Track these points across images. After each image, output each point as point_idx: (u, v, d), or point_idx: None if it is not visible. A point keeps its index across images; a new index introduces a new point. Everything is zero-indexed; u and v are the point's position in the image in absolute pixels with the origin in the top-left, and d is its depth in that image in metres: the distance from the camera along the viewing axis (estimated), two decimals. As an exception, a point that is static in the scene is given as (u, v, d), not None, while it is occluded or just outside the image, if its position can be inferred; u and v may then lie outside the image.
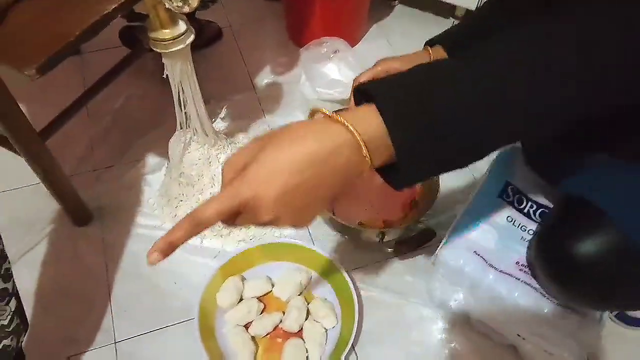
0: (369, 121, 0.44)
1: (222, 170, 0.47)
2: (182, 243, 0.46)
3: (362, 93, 0.47)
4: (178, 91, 0.97)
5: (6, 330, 0.71)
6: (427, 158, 0.46)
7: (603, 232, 0.74)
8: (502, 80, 0.46)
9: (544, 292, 0.89)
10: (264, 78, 1.50)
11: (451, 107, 0.45)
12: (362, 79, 0.86)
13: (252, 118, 1.38)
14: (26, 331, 0.78)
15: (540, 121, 0.48)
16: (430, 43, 0.89)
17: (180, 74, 0.93)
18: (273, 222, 0.46)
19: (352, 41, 1.56)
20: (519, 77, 0.46)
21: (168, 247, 0.46)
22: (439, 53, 0.84)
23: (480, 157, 0.49)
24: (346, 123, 0.44)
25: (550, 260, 0.80)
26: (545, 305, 0.88)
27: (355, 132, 0.43)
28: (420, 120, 0.44)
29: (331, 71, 1.32)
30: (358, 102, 0.49)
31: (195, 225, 0.45)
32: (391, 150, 0.45)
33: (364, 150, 0.44)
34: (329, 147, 0.43)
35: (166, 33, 0.85)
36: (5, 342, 0.71)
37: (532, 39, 0.47)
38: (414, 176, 0.48)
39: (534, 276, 0.90)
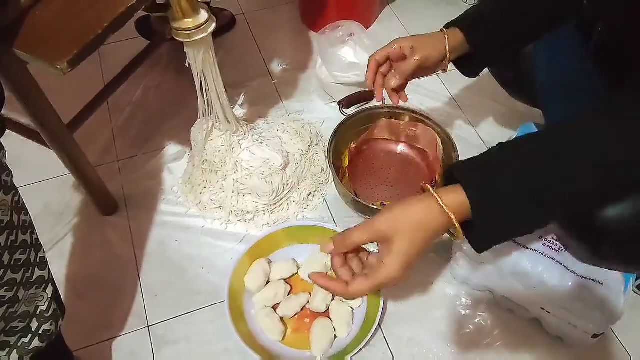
0: (457, 196, 0.58)
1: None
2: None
3: (450, 175, 0.61)
4: (200, 79, 0.99)
5: (45, 315, 0.73)
6: (497, 215, 0.58)
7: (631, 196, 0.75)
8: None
9: (568, 266, 0.90)
10: (280, 64, 1.51)
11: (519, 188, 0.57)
12: (377, 57, 0.88)
13: (270, 104, 1.39)
14: (63, 316, 0.81)
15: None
16: (447, 26, 0.89)
17: (203, 62, 0.94)
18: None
19: (366, 23, 1.56)
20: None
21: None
22: (455, 34, 0.85)
23: (546, 221, 0.62)
24: (450, 215, 0.58)
25: (581, 224, 0.82)
26: (569, 278, 0.89)
27: (452, 217, 0.58)
28: (493, 184, 0.57)
29: (347, 54, 1.32)
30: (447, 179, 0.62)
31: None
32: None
33: (457, 226, 0.58)
34: (438, 233, 0.60)
35: (188, 22, 0.86)
36: (45, 326, 0.74)
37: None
38: (487, 233, 0.60)
39: (564, 244, 0.91)
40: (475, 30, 0.84)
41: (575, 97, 0.90)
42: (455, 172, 0.59)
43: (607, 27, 0.77)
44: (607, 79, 0.82)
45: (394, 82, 0.88)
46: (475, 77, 0.92)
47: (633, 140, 0.57)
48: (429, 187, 0.60)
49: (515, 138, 0.61)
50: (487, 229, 0.59)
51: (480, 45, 0.85)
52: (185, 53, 0.93)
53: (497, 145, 0.61)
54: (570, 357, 1.00)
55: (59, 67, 0.73)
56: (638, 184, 0.60)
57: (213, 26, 0.89)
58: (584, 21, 0.84)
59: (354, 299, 0.65)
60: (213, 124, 1.10)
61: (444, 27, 0.88)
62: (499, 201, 0.57)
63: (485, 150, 0.61)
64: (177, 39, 0.89)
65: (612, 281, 0.89)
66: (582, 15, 0.83)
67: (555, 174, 0.56)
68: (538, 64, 0.96)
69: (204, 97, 1.02)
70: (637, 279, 1.06)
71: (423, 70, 0.87)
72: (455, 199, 0.58)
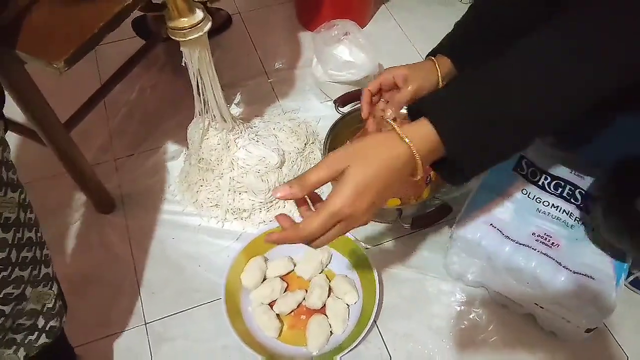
0: (422, 131, 0.56)
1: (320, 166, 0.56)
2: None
3: (413, 110, 0.60)
4: (196, 78, 1.00)
5: (52, 312, 0.74)
6: (473, 148, 0.56)
7: None
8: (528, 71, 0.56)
9: (560, 261, 0.91)
10: (276, 63, 1.52)
11: (488, 96, 0.56)
12: (371, 88, 0.89)
13: (266, 103, 1.40)
14: (66, 312, 0.82)
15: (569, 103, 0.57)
16: (432, 54, 0.90)
17: (199, 61, 0.95)
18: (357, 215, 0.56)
19: (362, 22, 1.57)
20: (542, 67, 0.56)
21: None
22: (444, 62, 0.86)
23: (523, 143, 0.59)
24: (406, 140, 0.55)
25: (622, 219, 0.83)
26: (562, 274, 0.90)
27: (411, 145, 0.55)
28: (465, 115, 0.56)
29: (342, 53, 1.33)
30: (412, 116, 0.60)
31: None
32: (441, 151, 0.57)
33: (417, 158, 0.56)
34: (394, 160, 0.56)
35: (184, 22, 0.87)
36: (52, 323, 0.75)
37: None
38: (467, 168, 0.58)
39: (604, 240, 0.92)
40: (463, 58, 0.85)
41: None
42: (420, 107, 0.58)
43: None
44: None
45: (389, 113, 0.88)
46: None
47: (580, 52, 0.56)
48: (390, 120, 0.59)
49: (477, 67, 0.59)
50: (462, 159, 0.57)
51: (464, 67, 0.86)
52: (182, 52, 0.94)
53: (458, 77, 0.61)
54: (564, 352, 1.01)
55: (55, 66, 0.74)
56: (595, 94, 0.58)
57: (209, 25, 0.90)
58: None
59: (311, 237, 0.56)
60: (209, 123, 1.11)
61: (430, 55, 0.89)
62: (469, 128, 0.56)
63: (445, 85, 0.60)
64: (173, 38, 0.90)
65: (604, 276, 0.90)
66: None
67: (516, 94, 0.56)
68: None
69: (200, 96, 1.03)
70: (629, 275, 1.07)
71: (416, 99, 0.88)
72: (417, 130, 0.56)
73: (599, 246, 0.93)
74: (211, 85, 1.01)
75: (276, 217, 0.59)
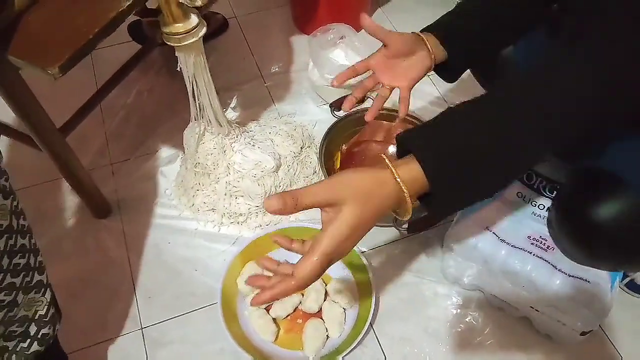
0: (412, 173, 0.56)
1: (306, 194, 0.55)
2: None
3: (401, 144, 0.59)
4: (192, 83, 1.00)
5: (44, 320, 0.74)
6: (455, 185, 0.57)
7: (622, 196, 0.77)
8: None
9: (556, 265, 0.92)
10: (272, 67, 1.52)
11: (469, 136, 0.56)
12: (358, 67, 0.87)
13: (262, 106, 1.40)
14: (60, 319, 0.82)
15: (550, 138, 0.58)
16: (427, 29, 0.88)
17: (194, 66, 0.95)
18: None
19: (358, 26, 1.57)
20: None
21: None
22: (433, 40, 0.84)
23: (505, 181, 0.61)
24: (401, 185, 0.55)
25: (574, 226, 0.84)
26: (558, 277, 0.91)
27: (404, 189, 0.55)
28: (449, 154, 0.56)
29: (338, 57, 1.33)
30: (400, 151, 0.60)
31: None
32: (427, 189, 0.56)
33: (408, 201, 0.56)
34: (387, 200, 0.56)
35: (179, 27, 0.87)
36: (44, 330, 0.74)
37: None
38: (447, 203, 0.59)
39: (559, 246, 0.93)
40: (452, 42, 0.84)
41: None
42: (406, 142, 0.58)
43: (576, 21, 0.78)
44: None
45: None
46: (454, 82, 0.91)
47: (567, 91, 0.57)
48: (386, 158, 0.57)
49: (463, 102, 0.59)
50: (444, 199, 0.58)
51: (457, 57, 0.84)
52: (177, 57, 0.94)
53: (447, 110, 0.60)
54: (560, 355, 1.01)
55: (50, 72, 0.74)
56: (578, 135, 0.59)
57: (203, 30, 0.90)
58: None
59: (306, 285, 0.55)
60: (205, 127, 1.11)
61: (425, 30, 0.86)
62: (453, 170, 0.56)
63: (433, 117, 0.59)
64: (168, 43, 0.90)
65: (599, 279, 0.90)
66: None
67: (499, 133, 0.56)
68: (517, 64, 0.97)
69: (195, 101, 1.03)
70: (624, 277, 1.08)
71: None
72: (409, 172, 0.56)
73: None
74: (206, 90, 1.01)
75: (250, 279, 0.59)
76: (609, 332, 1.04)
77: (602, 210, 0.78)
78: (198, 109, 1.05)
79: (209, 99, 1.03)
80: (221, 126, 1.10)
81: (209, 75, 0.99)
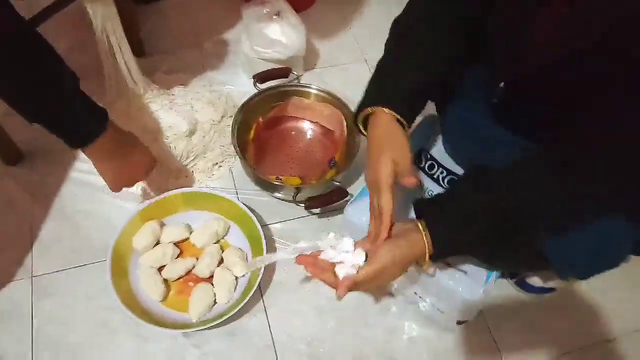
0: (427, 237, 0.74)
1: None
2: None
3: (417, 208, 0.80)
4: (105, 37, 0.99)
5: None
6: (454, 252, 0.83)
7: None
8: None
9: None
10: (210, 35, 1.51)
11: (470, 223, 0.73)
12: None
13: (193, 73, 1.39)
14: None
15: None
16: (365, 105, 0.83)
17: (103, 18, 0.94)
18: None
19: (296, 4, 1.56)
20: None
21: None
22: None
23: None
24: (427, 255, 0.74)
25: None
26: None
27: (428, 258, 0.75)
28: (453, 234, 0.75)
29: (273, 32, 1.33)
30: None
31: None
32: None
33: (427, 255, 0.74)
34: (414, 257, 0.75)
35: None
36: None
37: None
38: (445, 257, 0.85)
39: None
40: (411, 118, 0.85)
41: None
42: (422, 214, 0.77)
43: (510, 85, 0.80)
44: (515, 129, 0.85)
45: None
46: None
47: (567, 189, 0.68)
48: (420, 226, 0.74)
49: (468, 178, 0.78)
50: (444, 257, 0.81)
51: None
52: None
53: (455, 188, 0.80)
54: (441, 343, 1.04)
55: None
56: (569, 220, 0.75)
57: (110, -19, 0.89)
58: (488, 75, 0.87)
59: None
60: (117, 85, 1.10)
61: (361, 106, 0.83)
62: (452, 243, 0.75)
63: (448, 191, 0.81)
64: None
65: (475, 270, 0.93)
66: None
67: (496, 222, 0.72)
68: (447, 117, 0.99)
69: (108, 57, 1.02)
70: (515, 275, 1.11)
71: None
72: (427, 235, 0.73)
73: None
74: (118, 45, 1.00)
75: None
76: (491, 324, 1.07)
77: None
78: (112, 66, 1.05)
79: (122, 53, 1.02)
80: (136, 84, 1.10)
81: (121, 29, 0.99)
